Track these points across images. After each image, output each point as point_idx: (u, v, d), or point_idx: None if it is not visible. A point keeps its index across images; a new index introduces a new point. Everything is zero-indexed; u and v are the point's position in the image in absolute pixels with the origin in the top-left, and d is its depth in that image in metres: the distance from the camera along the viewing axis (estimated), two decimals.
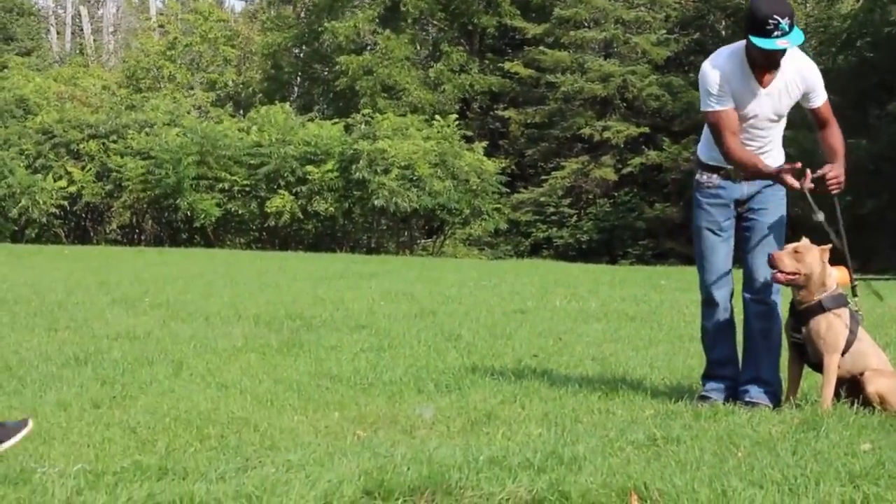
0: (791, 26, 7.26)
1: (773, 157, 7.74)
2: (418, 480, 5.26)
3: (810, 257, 7.41)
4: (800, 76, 7.62)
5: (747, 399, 7.64)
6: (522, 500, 5.12)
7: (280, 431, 6.91)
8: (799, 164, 7.46)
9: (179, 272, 21.98)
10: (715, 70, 7.67)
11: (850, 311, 7.51)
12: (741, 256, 7.84)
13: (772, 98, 7.59)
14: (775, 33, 7.23)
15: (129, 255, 29.85)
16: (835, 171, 7.60)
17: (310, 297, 16.51)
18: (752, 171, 7.61)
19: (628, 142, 43.48)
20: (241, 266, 24.96)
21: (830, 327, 7.35)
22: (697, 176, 7.94)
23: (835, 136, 7.78)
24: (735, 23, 41.29)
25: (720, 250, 7.85)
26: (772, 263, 7.45)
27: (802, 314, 7.45)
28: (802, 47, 7.68)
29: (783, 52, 7.43)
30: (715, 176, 7.82)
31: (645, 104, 43.94)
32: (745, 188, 7.74)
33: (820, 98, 7.72)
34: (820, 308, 7.39)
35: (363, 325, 12.63)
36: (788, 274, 7.41)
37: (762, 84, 7.56)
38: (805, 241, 7.55)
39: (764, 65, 7.52)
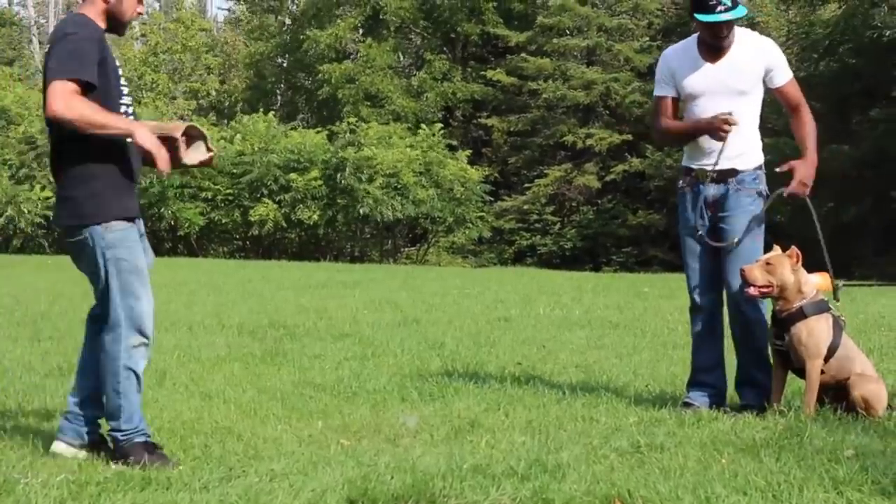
0: (734, 2, 7.41)
1: (740, 143, 7.72)
2: (402, 489, 5.26)
3: (781, 268, 7.42)
4: (756, 49, 7.73)
5: (743, 403, 7.68)
6: None
7: (264, 441, 6.90)
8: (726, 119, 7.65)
9: (162, 281, 21.92)
10: (663, 57, 8.05)
11: (834, 316, 7.52)
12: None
13: (722, 71, 7.68)
14: (718, 8, 7.42)
15: None
16: (800, 174, 7.69)
17: (293, 305, 16.50)
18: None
19: (611, 149, 43.53)
20: (225, 275, 24.93)
21: (811, 333, 7.36)
22: (678, 182, 8.01)
23: (803, 126, 7.81)
24: None
25: (699, 256, 7.86)
26: (743, 278, 7.46)
27: (784, 322, 7.46)
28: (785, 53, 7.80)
29: (729, 27, 7.57)
30: (688, 179, 7.87)
31: (628, 111, 44.00)
32: (710, 190, 7.76)
33: (782, 75, 7.79)
34: (801, 315, 7.39)
35: (347, 334, 12.62)
36: (762, 287, 7.43)
37: (710, 60, 7.66)
38: (777, 250, 7.55)
39: (712, 43, 7.64)
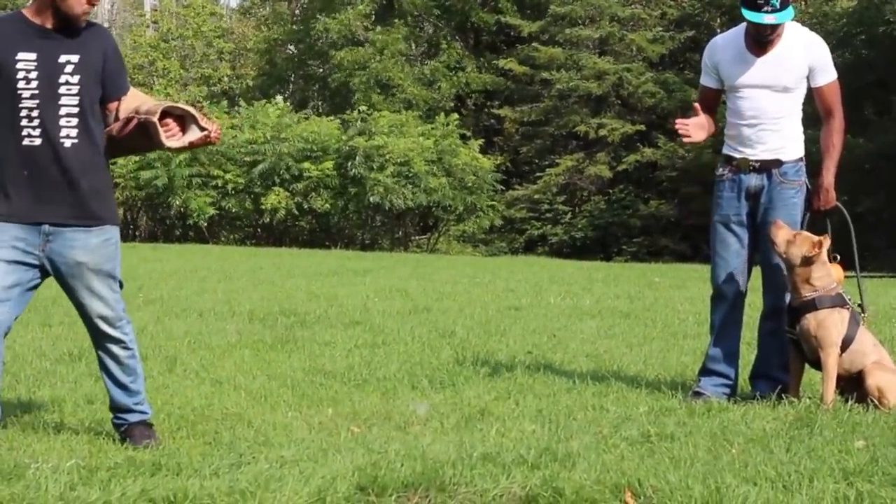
0: (783, 5, 7.39)
1: (783, 136, 7.75)
2: (412, 477, 5.26)
3: (798, 248, 7.43)
4: (803, 46, 7.70)
5: (757, 393, 7.71)
6: (516, 496, 5.13)
7: (274, 427, 6.90)
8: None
9: (173, 268, 21.96)
10: (709, 46, 8.07)
11: (852, 310, 7.52)
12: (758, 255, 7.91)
13: (768, 66, 7.68)
14: (765, 8, 7.44)
15: (123, 251, 29.32)
16: (820, 190, 7.73)
17: (304, 293, 16.51)
18: None
19: (623, 139, 43.39)
20: (236, 262, 24.94)
21: (821, 325, 7.35)
22: (716, 169, 8.02)
23: (830, 135, 7.83)
24: (731, 20, 41.28)
25: (731, 244, 7.87)
26: (771, 231, 7.52)
27: (796, 311, 7.47)
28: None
29: (772, 28, 7.56)
30: (728, 167, 7.88)
31: (640, 101, 43.86)
32: (752, 180, 7.78)
33: (823, 76, 7.78)
34: (812, 306, 7.40)
35: (357, 322, 12.62)
36: (775, 245, 7.50)
37: (756, 53, 7.66)
38: (818, 238, 7.52)
39: (756, 39, 7.64)
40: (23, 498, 5.03)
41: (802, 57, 7.69)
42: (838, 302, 7.47)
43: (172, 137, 6.33)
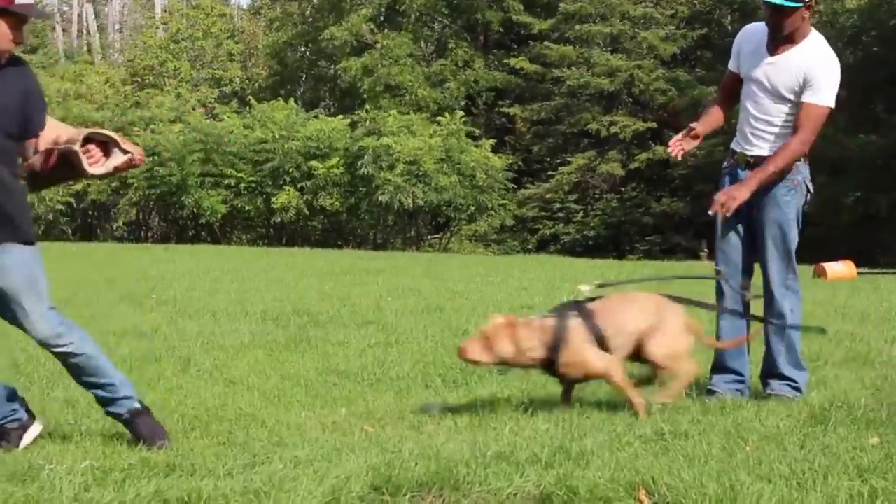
0: None
1: (780, 136, 7.65)
2: (426, 476, 5.26)
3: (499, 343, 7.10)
4: (805, 61, 7.58)
5: (769, 391, 7.68)
6: (530, 495, 5.12)
7: (287, 427, 6.91)
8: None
9: (186, 269, 21.99)
10: (741, 32, 8.00)
11: None
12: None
13: (772, 68, 7.63)
14: None
15: (136, 252, 29.85)
16: (728, 188, 7.70)
17: (317, 293, 16.51)
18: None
19: (635, 137, 43.40)
20: (248, 262, 24.97)
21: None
22: (724, 162, 8.02)
23: (782, 148, 7.60)
24: (742, 17, 41.24)
25: (730, 239, 7.85)
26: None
27: None
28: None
29: (780, 20, 7.43)
30: (731, 161, 7.88)
31: (652, 99, 43.85)
32: (747, 175, 7.73)
33: (811, 94, 7.52)
34: None
35: (370, 321, 12.62)
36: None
37: (770, 52, 7.63)
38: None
39: (772, 28, 7.55)
40: (37, 499, 5.04)
41: (801, 69, 7.54)
42: None
43: (96, 164, 6.32)
